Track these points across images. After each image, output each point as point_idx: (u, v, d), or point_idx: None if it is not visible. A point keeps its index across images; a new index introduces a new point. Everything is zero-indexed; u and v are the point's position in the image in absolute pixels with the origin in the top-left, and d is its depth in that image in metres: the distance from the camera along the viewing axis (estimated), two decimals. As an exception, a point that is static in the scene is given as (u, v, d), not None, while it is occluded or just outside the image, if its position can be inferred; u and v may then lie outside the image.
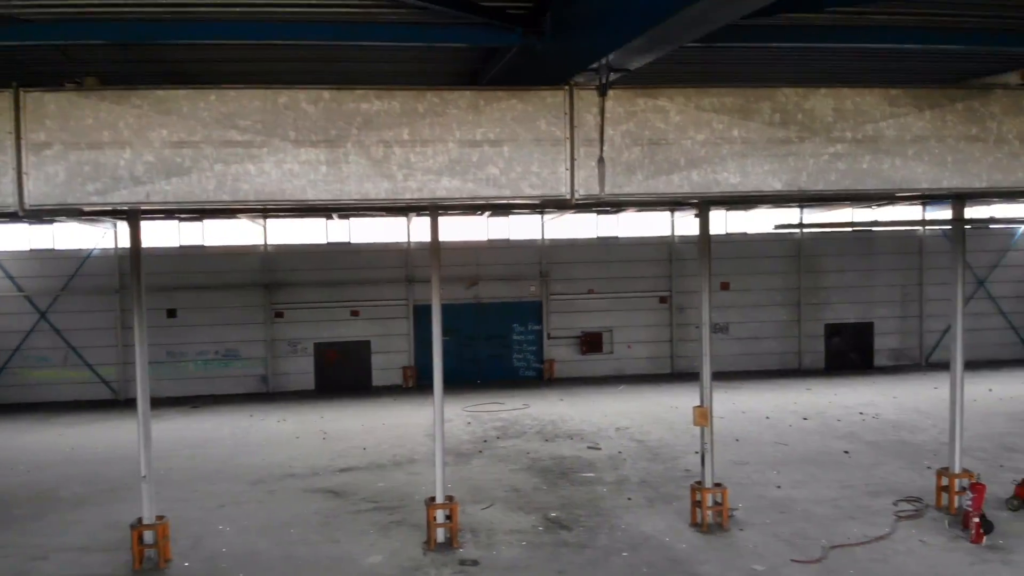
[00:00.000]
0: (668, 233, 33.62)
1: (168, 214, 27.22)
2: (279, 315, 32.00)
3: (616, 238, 33.54)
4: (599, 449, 22.58)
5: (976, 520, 15.35)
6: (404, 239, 32.40)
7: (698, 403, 16.81)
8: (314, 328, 32.12)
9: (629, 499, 18.33)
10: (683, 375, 32.60)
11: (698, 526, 16.43)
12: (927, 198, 14.94)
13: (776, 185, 9.72)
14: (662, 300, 33.83)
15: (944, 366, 33.54)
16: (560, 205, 10.26)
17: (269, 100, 9.00)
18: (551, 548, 15.62)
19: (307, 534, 16.57)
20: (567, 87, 9.57)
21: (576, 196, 9.52)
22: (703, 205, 16.70)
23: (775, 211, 33.65)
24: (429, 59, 12.09)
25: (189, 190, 8.88)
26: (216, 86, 9.00)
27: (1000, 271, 35.19)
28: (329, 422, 26.49)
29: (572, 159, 9.49)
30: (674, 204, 23.15)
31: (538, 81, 9.49)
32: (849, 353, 34.68)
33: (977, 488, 15.65)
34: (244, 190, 8.90)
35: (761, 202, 14.17)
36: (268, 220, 31.28)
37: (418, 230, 32.02)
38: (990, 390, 28.86)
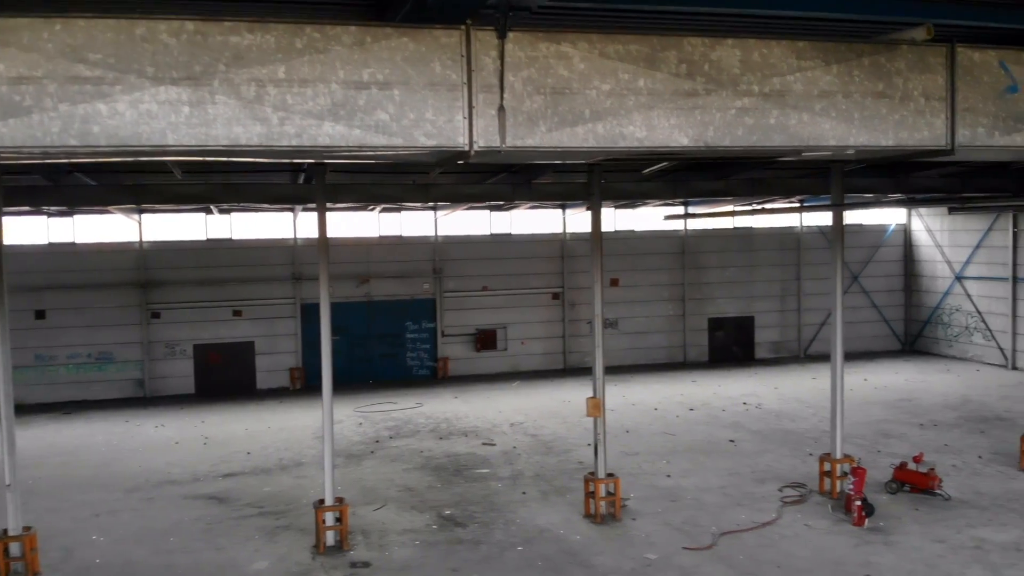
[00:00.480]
0: (560, 230, 33.80)
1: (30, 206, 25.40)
2: (156, 315, 30.42)
3: (509, 235, 33.49)
4: (493, 445, 22.42)
5: (858, 503, 15.94)
6: (290, 235, 31.40)
7: (591, 395, 16.84)
8: (194, 329, 30.70)
9: (524, 493, 18.23)
10: (576, 370, 32.86)
11: (592, 517, 16.47)
12: (832, 161, 14.91)
13: (683, 140, 9.07)
14: (555, 297, 33.99)
15: (821, 358, 35.47)
16: (457, 159, 9.12)
17: (124, 31, 7.90)
18: (446, 546, 15.33)
19: (188, 542, 15.71)
20: (463, 27, 8.69)
21: (475, 148, 8.68)
22: (595, 199, 16.73)
23: (661, 208, 34.40)
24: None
25: (30, 133, 7.75)
26: (63, 14, 7.87)
27: (873, 266, 36.98)
28: (211, 427, 25.33)
29: (470, 106, 8.66)
30: (575, 165, 23.13)
31: (442, 20, 8.69)
32: (732, 346, 35.75)
33: (858, 472, 16.27)
34: (94, 133, 7.82)
35: (667, 158, 13.99)
36: (144, 215, 29.72)
37: (305, 226, 31.08)
38: (865, 380, 30.26)
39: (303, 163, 16.35)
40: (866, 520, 15.85)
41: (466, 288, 32.99)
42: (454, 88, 8.64)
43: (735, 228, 35.72)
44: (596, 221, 16.81)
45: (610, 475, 16.82)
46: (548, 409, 26.55)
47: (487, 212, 32.89)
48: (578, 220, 33.49)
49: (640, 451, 21.45)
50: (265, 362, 31.35)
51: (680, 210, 34.12)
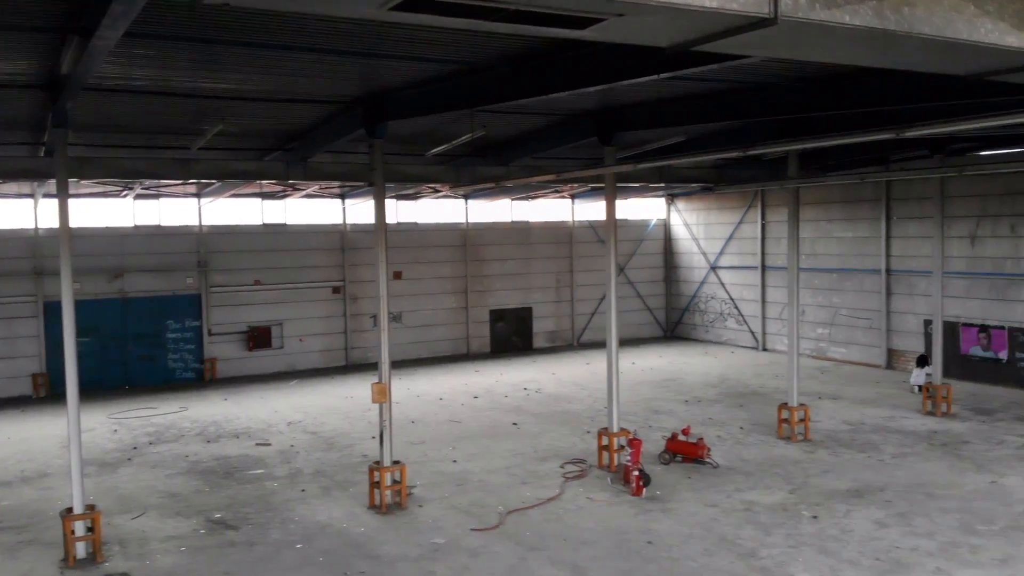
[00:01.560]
0: (340, 221, 32.66)
1: None
2: None
3: (284, 225, 31.87)
4: (269, 445, 21.05)
5: (636, 474, 16.42)
6: (31, 225, 27.89)
7: (376, 381, 16.16)
8: (-90, 333, 26.53)
9: (303, 491, 17.17)
10: (359, 366, 31.91)
11: (377, 508, 15.78)
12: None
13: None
14: (335, 290, 32.77)
15: (593, 345, 36.93)
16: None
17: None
18: (216, 550, 14.02)
19: None
20: None
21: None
22: (378, 177, 16.05)
23: (443, 201, 34.25)
24: None
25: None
26: None
27: (637, 259, 39.00)
28: (-68, 442, 21.88)
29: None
30: (354, 144, 22.10)
31: None
32: (512, 336, 36.32)
33: (635, 444, 16.78)
34: None
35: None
36: None
37: (47, 214, 27.73)
38: (633, 363, 31.73)
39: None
40: (644, 490, 16.36)
41: (236, 283, 30.99)
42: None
43: (513, 222, 36.30)
44: (380, 201, 16.09)
45: (396, 463, 16.22)
46: (329, 406, 25.44)
47: (259, 200, 31.12)
48: (359, 211, 32.53)
49: (427, 439, 21.01)
50: (2, 368, 27.67)
51: (461, 202, 34.20)
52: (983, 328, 26.91)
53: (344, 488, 17.26)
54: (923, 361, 26.26)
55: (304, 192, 30.05)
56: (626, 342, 35.96)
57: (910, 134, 9.99)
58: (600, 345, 34.27)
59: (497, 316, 35.99)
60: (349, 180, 21.54)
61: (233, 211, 31.10)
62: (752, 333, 35.82)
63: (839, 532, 14.13)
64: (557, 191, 33.78)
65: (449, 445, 20.45)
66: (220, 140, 19.17)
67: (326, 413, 24.42)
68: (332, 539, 14.40)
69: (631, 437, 17.13)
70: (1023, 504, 15.17)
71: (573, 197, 36.60)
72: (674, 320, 39.96)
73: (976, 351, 27.13)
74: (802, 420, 20.56)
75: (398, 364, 31.70)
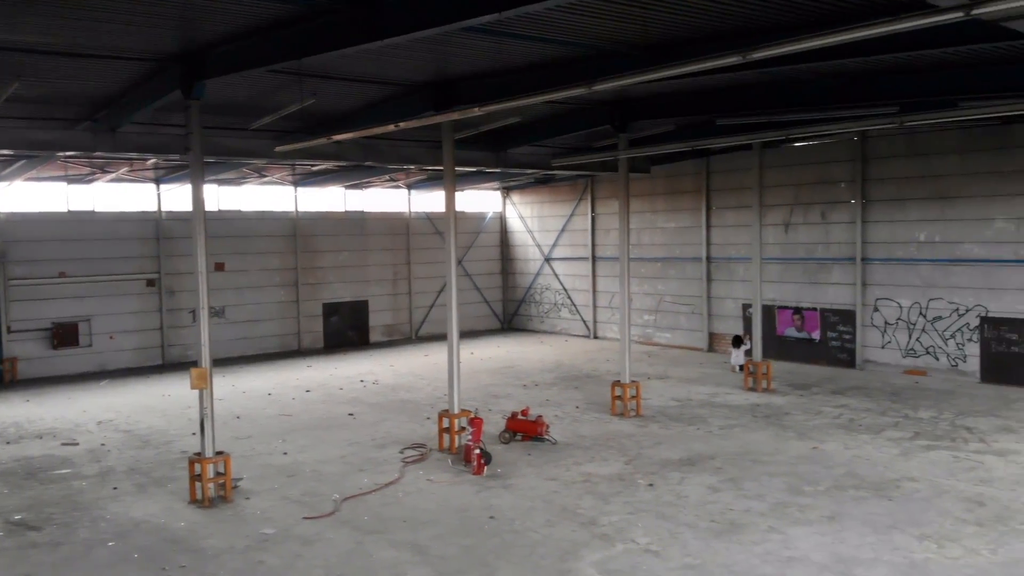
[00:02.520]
0: (155, 208, 30.43)
1: None
2: None
3: (93, 212, 29.30)
4: (76, 444, 19.14)
5: (477, 452, 16.10)
6: None
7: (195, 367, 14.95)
8: None
9: (115, 488, 15.67)
10: (177, 365, 29.83)
11: (199, 502, 14.60)
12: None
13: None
14: (150, 283, 30.48)
15: (431, 338, 36.46)
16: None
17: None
18: (15, 552, 12.48)
19: None
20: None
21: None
22: (194, 144, 14.83)
23: (270, 188, 32.74)
24: None
25: None
26: None
27: (474, 251, 38.92)
28: None
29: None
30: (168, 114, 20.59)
31: None
32: (347, 331, 35.23)
33: (476, 422, 16.44)
34: None
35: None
36: None
37: None
38: (472, 353, 31.53)
39: None
40: (485, 468, 16.07)
41: (39, 275, 28.20)
42: None
43: (347, 212, 35.24)
44: (197, 177, 14.85)
45: (219, 453, 15.07)
46: (144, 404, 23.54)
47: (64, 185, 28.49)
48: (175, 197, 30.45)
49: (253, 434, 19.80)
50: None
51: (290, 190, 32.82)
52: (797, 310, 28.64)
53: (162, 484, 15.89)
54: (738, 341, 27.63)
55: (114, 175, 27.80)
56: (465, 334, 35.63)
57: (757, 55, 9.89)
58: (439, 338, 33.95)
59: (331, 310, 34.79)
60: (163, 153, 19.83)
61: (34, 196, 28.30)
62: (584, 322, 36.54)
63: (675, 498, 14.39)
64: (392, 179, 33.15)
65: (279, 438, 19.36)
66: (18, 107, 17.23)
67: (141, 411, 22.58)
68: (149, 535, 13.15)
69: (472, 416, 16.79)
70: (844, 467, 16.05)
71: (409, 187, 36.03)
72: (511, 312, 40.19)
73: (791, 332, 28.84)
74: (634, 397, 21.01)
75: (222, 362, 30.09)
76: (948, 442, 17.64)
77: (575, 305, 37.02)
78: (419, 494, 15.00)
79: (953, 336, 24.86)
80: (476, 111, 14.08)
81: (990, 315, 23.98)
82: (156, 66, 14.67)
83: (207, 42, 13.22)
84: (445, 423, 17.91)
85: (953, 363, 24.86)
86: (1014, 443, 17.35)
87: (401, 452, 17.83)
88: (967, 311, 24.47)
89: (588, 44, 13.56)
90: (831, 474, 15.58)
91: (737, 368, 26.80)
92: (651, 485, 15.15)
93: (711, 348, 31.46)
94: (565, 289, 37.44)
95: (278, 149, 19.46)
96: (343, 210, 35.13)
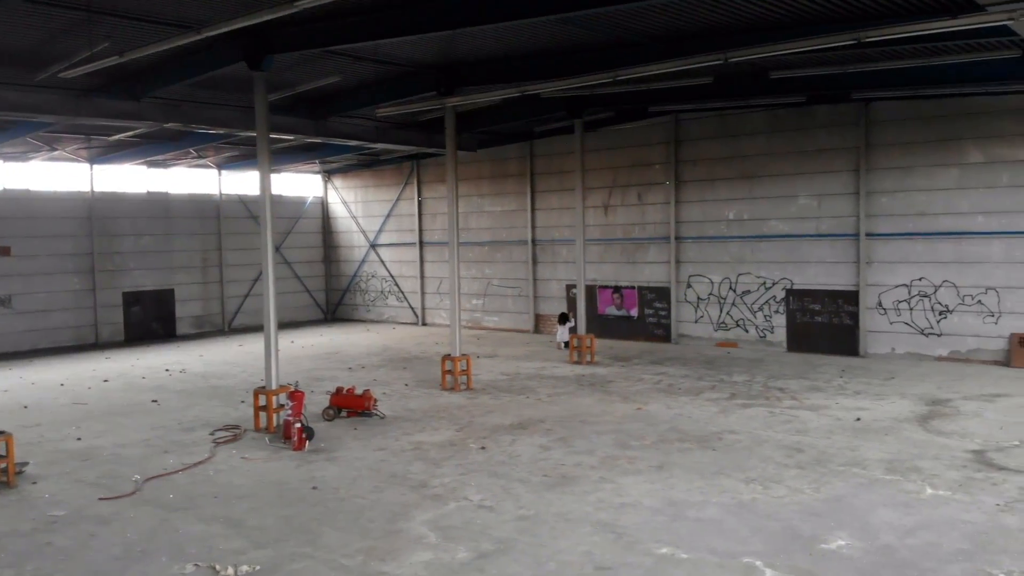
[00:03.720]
0: (-81, 185, 26.89)
1: None
2: None
3: None
4: None
5: (298, 426, 15.06)
6: None
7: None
8: None
9: None
10: (-51, 359, 26.46)
11: (-27, 491, 12.72)
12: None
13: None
14: (-86, 269, 26.88)
15: (246, 330, 34.44)
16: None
17: None
18: None
19: None
20: None
21: None
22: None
23: (61, 164, 29.77)
24: None
25: None
26: None
27: (294, 238, 37.21)
28: None
29: None
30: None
31: None
32: (151, 322, 32.62)
33: (296, 396, 15.37)
34: None
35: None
36: None
37: None
38: (292, 342, 30.07)
39: None
40: (307, 443, 15.06)
41: None
42: None
43: (150, 193, 32.66)
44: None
45: (1, 433, 13.23)
46: (-93, 398, 20.59)
47: None
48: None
49: (43, 422, 17.68)
50: None
51: (85, 167, 30.00)
52: (616, 289, 29.31)
53: (-75, 478, 13.75)
54: (564, 318, 27.95)
55: None
56: (285, 325, 34.28)
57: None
58: (255, 330, 32.27)
59: (132, 299, 32.08)
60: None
61: None
62: (412, 309, 35.83)
63: (507, 458, 14.04)
64: (200, 155, 30.99)
65: (72, 425, 17.39)
66: None
67: (-96, 407, 19.71)
68: (-95, 530, 11.24)
69: (292, 390, 15.68)
70: (667, 424, 16.31)
71: (220, 167, 33.89)
72: (335, 302, 38.79)
73: (611, 310, 29.48)
74: (464, 371, 20.60)
75: (8, 356, 27.22)
76: (763, 400, 18.41)
77: (403, 292, 36.23)
78: (232, 471, 13.81)
79: (761, 309, 26.23)
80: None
81: (795, 288, 25.49)
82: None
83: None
84: (262, 401, 16.71)
85: (762, 334, 26.24)
86: (823, 399, 18.34)
87: (212, 434, 16.45)
88: (774, 284, 25.89)
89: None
90: (656, 430, 15.79)
91: (563, 345, 27.03)
92: (483, 448, 14.73)
93: (537, 329, 31.66)
94: (392, 276, 36.56)
95: (77, 150, 17.46)
96: (145, 191, 32.52)
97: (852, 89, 22.01)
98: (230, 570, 9.57)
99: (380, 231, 36.69)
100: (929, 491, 11.87)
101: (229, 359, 26.66)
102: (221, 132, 22.56)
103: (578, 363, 24.01)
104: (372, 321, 37.11)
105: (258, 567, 9.66)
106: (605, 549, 9.90)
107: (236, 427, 16.90)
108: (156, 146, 27.71)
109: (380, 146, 25.83)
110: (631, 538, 10.26)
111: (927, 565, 9.26)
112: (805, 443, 14.66)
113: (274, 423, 16.40)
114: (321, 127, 23.03)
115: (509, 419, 17.01)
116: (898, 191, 23.51)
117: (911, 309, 23.49)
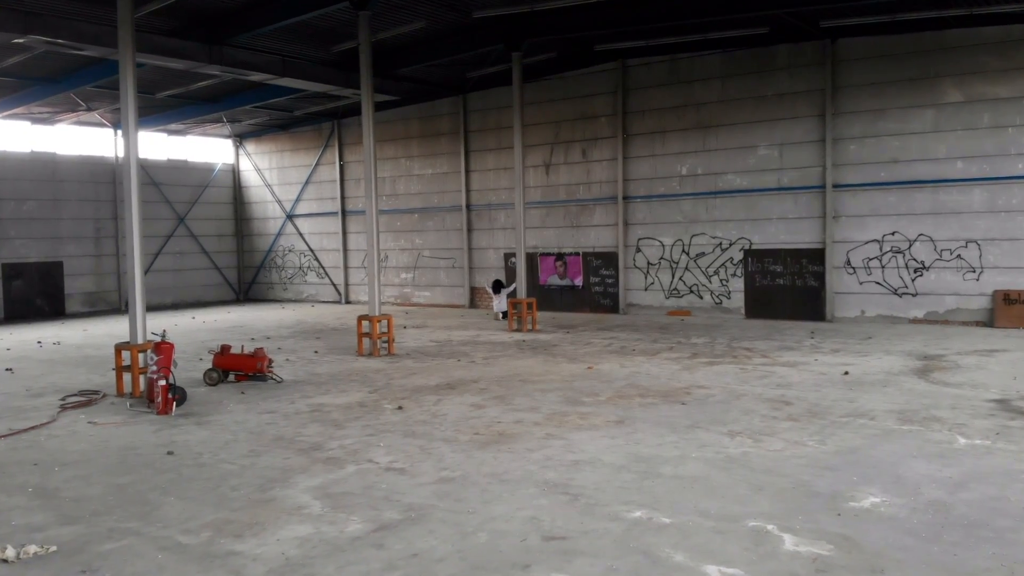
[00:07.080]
0: None
1: None
2: None
3: None
4: None
5: (163, 384, 11.92)
6: None
7: None
8: None
9: None
10: None
11: None
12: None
13: None
14: None
15: (148, 308, 30.54)
16: None
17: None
18: None
19: None
20: None
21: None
22: None
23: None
24: None
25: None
26: None
27: (201, 208, 33.61)
28: None
29: None
30: None
31: None
32: (35, 298, 28.75)
33: (164, 348, 12.21)
34: None
35: None
36: None
37: None
38: (193, 318, 26.69)
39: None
40: (174, 406, 11.94)
41: None
42: None
43: (33, 153, 28.80)
44: None
45: None
46: None
47: None
48: None
49: None
50: None
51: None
52: (559, 256, 26.62)
53: None
54: (499, 286, 25.18)
55: None
56: (190, 306, 30.91)
57: None
58: (156, 308, 28.77)
59: (13, 272, 28.19)
60: None
61: None
62: (335, 286, 32.59)
63: (429, 417, 11.16)
64: (90, 108, 27.22)
65: None
66: None
67: None
68: None
69: (159, 341, 12.49)
70: (624, 381, 13.66)
71: (116, 126, 30.14)
72: (248, 280, 35.25)
73: (554, 280, 26.77)
74: (384, 334, 17.63)
75: None
76: (730, 359, 15.88)
77: (324, 267, 32.93)
78: (70, 437, 10.63)
79: (717, 272, 23.82)
80: None
81: (754, 247, 23.14)
82: None
83: None
84: (126, 359, 13.53)
85: (718, 300, 23.83)
86: (799, 357, 15.90)
87: (63, 399, 13.19)
88: (731, 245, 23.50)
89: None
90: (611, 387, 13.09)
91: (501, 316, 24.27)
92: (400, 408, 11.82)
93: (473, 304, 28.77)
94: (312, 250, 33.24)
95: None
96: (28, 151, 28.67)
97: (820, 18, 19.75)
98: (9, 551, 6.52)
99: (298, 200, 33.33)
100: (963, 440, 9.37)
101: (116, 333, 23.10)
102: (95, 54, 19.00)
103: (518, 331, 21.24)
104: (290, 300, 33.75)
105: (53, 548, 6.61)
106: (556, 514, 7.11)
107: (95, 392, 13.69)
108: (37, 90, 23.94)
109: (287, 81, 22.35)
110: (590, 500, 7.48)
111: (1002, 524, 6.68)
112: (791, 396, 12.12)
113: (140, 387, 13.23)
114: (216, 53, 19.67)
115: (436, 380, 14.12)
116: (868, 137, 21.30)
117: (883, 267, 21.30)
